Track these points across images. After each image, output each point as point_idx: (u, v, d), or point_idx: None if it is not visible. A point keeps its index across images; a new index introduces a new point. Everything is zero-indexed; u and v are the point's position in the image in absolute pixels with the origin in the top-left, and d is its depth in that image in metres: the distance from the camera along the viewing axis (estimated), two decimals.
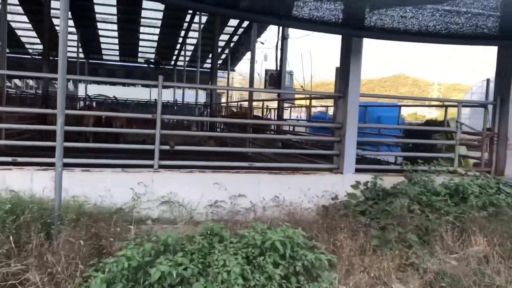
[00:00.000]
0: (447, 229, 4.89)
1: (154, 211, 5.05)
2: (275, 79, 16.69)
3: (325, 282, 3.64)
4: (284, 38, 16.49)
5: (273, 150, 8.83)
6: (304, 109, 16.43)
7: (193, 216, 5.07)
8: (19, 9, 21.28)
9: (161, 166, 5.32)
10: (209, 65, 28.59)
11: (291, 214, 5.42)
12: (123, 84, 31.48)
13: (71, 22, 23.26)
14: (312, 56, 19.24)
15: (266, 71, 17.17)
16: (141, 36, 26.52)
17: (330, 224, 5.06)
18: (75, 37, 23.47)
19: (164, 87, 5.53)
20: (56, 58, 4.56)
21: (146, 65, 29.77)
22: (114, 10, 21.92)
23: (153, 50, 28.98)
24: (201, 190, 5.18)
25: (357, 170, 5.99)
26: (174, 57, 30.45)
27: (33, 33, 24.88)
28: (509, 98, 6.41)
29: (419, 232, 4.94)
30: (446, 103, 8.29)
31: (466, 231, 4.94)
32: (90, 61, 29.89)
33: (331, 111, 14.15)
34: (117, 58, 30.97)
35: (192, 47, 27.01)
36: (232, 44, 25.70)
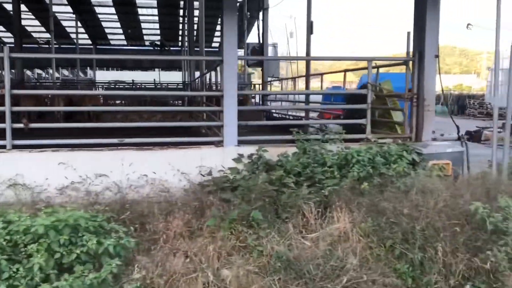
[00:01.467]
0: (310, 205, 4.27)
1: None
2: (257, 52, 15.98)
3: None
4: (264, 8, 15.69)
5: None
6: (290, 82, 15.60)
7: (40, 199, 4.70)
8: None
9: (16, 147, 4.98)
10: (216, 44, 28.22)
11: (159, 193, 4.96)
12: (130, 68, 31.59)
13: (68, 8, 23.39)
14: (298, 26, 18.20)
15: (248, 44, 16.48)
16: (143, 18, 26.31)
17: (189, 204, 4.56)
18: (73, 23, 23.65)
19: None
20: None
21: (152, 48, 29.71)
22: None
23: (158, 32, 28.74)
24: (53, 171, 4.80)
25: (247, 142, 5.40)
26: (181, 38, 30.09)
27: None
28: (425, 53, 5.52)
29: (279, 209, 4.35)
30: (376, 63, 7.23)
31: (331, 207, 4.30)
32: (97, 46, 30.12)
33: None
34: (124, 42, 31.05)
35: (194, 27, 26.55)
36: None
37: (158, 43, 28.86)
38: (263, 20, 15.72)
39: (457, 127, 5.88)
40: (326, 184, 4.60)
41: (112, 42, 31.16)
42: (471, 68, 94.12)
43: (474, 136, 12.60)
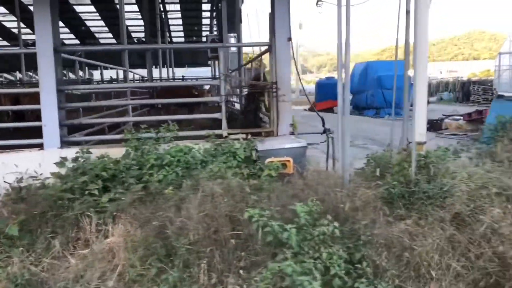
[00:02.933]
0: (92, 216, 3.74)
1: None
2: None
3: None
4: None
5: None
6: None
7: None
8: None
9: None
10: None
11: None
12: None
13: None
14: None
15: (207, 36, 15.90)
16: (127, 16, 26.01)
17: None
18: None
19: None
20: None
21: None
22: None
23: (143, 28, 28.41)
24: None
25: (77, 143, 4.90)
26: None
27: None
28: (275, 37, 4.86)
29: (57, 222, 3.83)
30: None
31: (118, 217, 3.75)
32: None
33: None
34: (114, 40, 30.87)
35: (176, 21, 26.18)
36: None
37: (144, 40, 28.54)
38: (216, 10, 15.09)
39: (322, 119, 5.22)
40: (133, 189, 4.06)
41: (101, 41, 31.07)
42: None
43: (435, 125, 11.74)
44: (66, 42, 27.50)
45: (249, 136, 4.86)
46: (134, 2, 23.15)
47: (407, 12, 4.25)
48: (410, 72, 5.19)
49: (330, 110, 26.04)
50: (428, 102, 20.38)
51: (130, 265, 3.27)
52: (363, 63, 28.08)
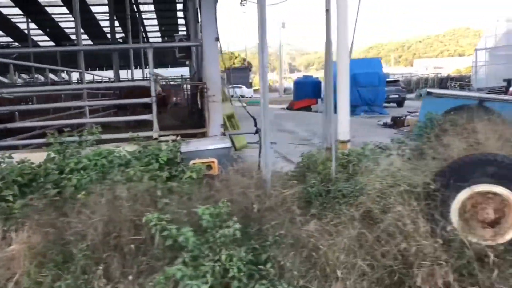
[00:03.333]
0: None
1: None
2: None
3: None
4: None
5: None
6: None
7: None
8: None
9: None
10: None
11: None
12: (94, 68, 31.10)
13: (17, 10, 22.97)
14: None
15: (175, 36, 15.74)
16: (99, 17, 25.75)
17: None
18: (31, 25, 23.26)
19: None
20: None
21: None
22: None
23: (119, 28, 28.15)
24: None
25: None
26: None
27: None
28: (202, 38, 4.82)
29: None
30: None
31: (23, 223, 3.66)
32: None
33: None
34: (89, 42, 30.52)
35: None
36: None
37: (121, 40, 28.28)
38: (186, 10, 15.00)
39: (254, 119, 5.18)
40: (48, 194, 3.98)
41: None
42: None
43: (398, 122, 11.81)
44: (41, 44, 27.22)
45: (179, 138, 4.80)
46: (107, 2, 22.89)
47: (327, 10, 4.23)
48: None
49: (308, 108, 26.17)
50: (405, 99, 20.39)
51: (27, 273, 3.20)
52: None
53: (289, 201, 3.86)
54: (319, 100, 25.77)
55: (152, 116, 5.03)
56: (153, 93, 5.01)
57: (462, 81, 34.52)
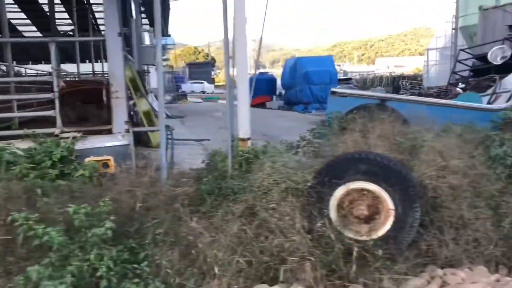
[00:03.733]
0: None
1: None
2: (125, 39, 14.93)
3: None
4: None
5: None
6: None
7: None
8: None
9: None
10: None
11: None
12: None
13: None
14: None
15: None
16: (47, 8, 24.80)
17: None
18: None
19: None
20: None
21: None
22: None
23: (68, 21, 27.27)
24: None
25: None
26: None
27: None
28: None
29: None
30: None
31: None
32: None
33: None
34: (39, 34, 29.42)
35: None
36: None
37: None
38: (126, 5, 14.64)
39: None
40: None
41: (26, 34, 29.47)
42: None
43: None
44: None
45: (80, 134, 4.70)
46: None
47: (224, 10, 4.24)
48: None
49: (262, 105, 26.25)
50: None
51: None
52: (294, 58, 28.49)
53: (179, 200, 3.86)
54: (274, 97, 25.91)
55: (55, 112, 4.90)
56: (55, 88, 4.88)
57: (415, 80, 35.59)
